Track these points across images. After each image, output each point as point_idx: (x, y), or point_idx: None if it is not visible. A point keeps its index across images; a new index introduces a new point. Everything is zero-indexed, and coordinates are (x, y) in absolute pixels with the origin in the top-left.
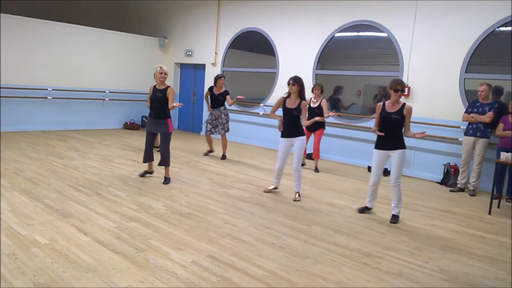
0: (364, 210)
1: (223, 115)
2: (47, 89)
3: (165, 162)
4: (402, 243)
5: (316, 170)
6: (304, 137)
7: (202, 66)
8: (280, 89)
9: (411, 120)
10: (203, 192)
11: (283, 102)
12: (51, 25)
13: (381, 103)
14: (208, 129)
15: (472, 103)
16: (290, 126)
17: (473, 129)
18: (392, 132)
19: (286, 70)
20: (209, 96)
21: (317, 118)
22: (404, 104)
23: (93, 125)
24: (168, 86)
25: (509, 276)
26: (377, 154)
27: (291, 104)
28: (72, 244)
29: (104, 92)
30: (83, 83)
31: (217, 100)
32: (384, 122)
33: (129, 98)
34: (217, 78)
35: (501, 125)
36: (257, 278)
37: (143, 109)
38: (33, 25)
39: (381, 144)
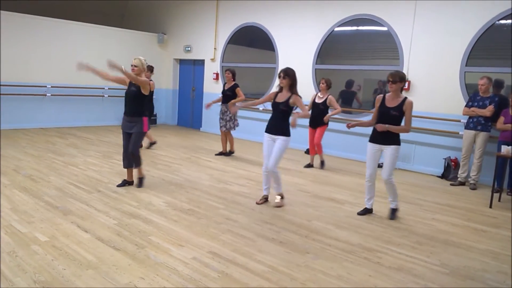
0: (366, 212)
1: (228, 112)
2: (46, 86)
3: (136, 162)
4: (403, 238)
5: (322, 164)
6: (288, 138)
7: (201, 62)
8: None
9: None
10: (203, 188)
11: (274, 96)
12: (49, 22)
13: (381, 95)
14: (221, 125)
15: (473, 97)
16: (275, 121)
17: (473, 123)
18: None
19: (285, 65)
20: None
21: (329, 114)
22: (405, 98)
23: (92, 122)
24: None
25: (510, 269)
26: (370, 147)
27: (281, 98)
28: (73, 241)
29: (103, 88)
30: (82, 80)
31: (225, 95)
32: (382, 117)
33: None
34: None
35: (501, 119)
36: (257, 273)
37: None
38: (32, 22)
39: (375, 138)
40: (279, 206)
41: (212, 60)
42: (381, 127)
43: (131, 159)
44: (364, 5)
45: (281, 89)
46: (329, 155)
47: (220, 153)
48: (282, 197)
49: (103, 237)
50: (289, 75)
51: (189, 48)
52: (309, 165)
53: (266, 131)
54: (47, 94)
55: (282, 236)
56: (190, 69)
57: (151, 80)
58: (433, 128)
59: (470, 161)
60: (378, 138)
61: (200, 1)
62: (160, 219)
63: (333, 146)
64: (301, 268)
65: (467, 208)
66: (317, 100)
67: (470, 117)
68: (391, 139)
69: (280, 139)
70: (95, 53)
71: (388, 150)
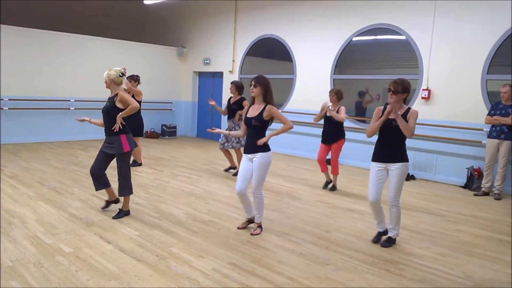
0: (380, 237)
1: (236, 127)
2: (69, 100)
3: (123, 190)
4: (425, 249)
5: (333, 188)
6: (267, 153)
7: (220, 74)
8: (298, 95)
9: (426, 123)
10: (222, 199)
11: (246, 110)
12: (72, 38)
13: (381, 107)
14: (222, 142)
15: (495, 105)
16: (250, 139)
17: (496, 131)
18: (392, 141)
19: (303, 75)
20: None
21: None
22: (409, 108)
23: None
24: (118, 93)
25: (511, 272)
26: (374, 167)
27: (253, 112)
28: (96, 252)
29: None
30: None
31: (231, 110)
32: (383, 129)
33: (149, 107)
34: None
35: None
36: (278, 285)
37: (163, 117)
38: (56, 39)
39: (378, 156)
40: (255, 234)
41: (231, 72)
42: (392, 106)
43: (102, 181)
44: (382, 15)
45: (253, 101)
46: (349, 165)
47: (230, 168)
48: (260, 227)
49: (125, 248)
50: (261, 83)
51: (208, 61)
52: (327, 184)
53: (244, 152)
54: (71, 108)
55: (302, 247)
56: (209, 81)
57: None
58: (455, 137)
59: (494, 170)
60: (381, 156)
61: (219, 14)
62: (180, 230)
63: (352, 156)
64: (322, 280)
65: (491, 218)
66: (328, 114)
67: (493, 126)
68: (397, 155)
69: (258, 156)
70: (117, 67)
71: (394, 168)
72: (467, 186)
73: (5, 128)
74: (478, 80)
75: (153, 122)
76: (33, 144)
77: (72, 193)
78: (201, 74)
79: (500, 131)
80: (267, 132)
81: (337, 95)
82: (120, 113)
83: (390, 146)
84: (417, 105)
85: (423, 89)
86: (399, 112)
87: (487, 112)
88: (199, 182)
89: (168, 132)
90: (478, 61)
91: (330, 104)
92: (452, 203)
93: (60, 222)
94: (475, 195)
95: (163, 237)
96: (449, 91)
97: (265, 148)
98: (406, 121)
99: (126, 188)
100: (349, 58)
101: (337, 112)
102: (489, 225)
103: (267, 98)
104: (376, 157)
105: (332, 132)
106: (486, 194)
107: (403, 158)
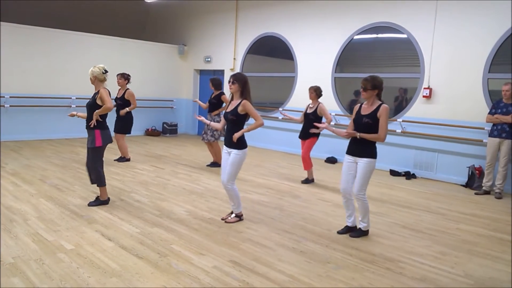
0: (347, 231)
1: (213, 122)
2: (70, 98)
3: (95, 181)
4: (426, 248)
5: (307, 181)
6: (242, 151)
7: (221, 72)
8: (299, 93)
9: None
10: (223, 197)
11: (226, 106)
12: (74, 35)
13: (358, 105)
14: (202, 133)
15: (496, 104)
16: (228, 133)
17: (497, 130)
18: (362, 137)
19: (304, 74)
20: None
21: (320, 126)
22: (380, 104)
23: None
24: (99, 90)
25: (511, 272)
26: (345, 159)
27: (230, 107)
28: (97, 250)
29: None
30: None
31: (210, 104)
32: (355, 125)
33: (150, 105)
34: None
35: None
36: (278, 283)
37: (164, 115)
38: (57, 36)
39: (349, 149)
40: (230, 222)
41: (232, 70)
42: (350, 133)
43: (93, 176)
44: (384, 13)
45: (232, 97)
46: None
47: (212, 164)
48: (237, 216)
49: (126, 245)
50: (238, 80)
51: (209, 59)
52: (307, 180)
53: (224, 144)
54: (72, 105)
55: (303, 246)
56: None
57: (127, 89)
58: (456, 136)
59: (495, 169)
60: (353, 149)
61: (220, 12)
62: (181, 228)
63: None
64: (322, 278)
65: (493, 217)
66: (308, 111)
67: (494, 125)
68: (364, 151)
69: (233, 152)
70: (118, 65)
71: (361, 163)
72: (468, 185)
73: (6, 125)
74: (480, 78)
75: (154, 120)
76: (34, 142)
77: (73, 190)
78: (202, 72)
79: (501, 130)
80: (245, 127)
81: (316, 92)
82: (96, 111)
83: (360, 141)
84: (418, 103)
85: (424, 88)
86: (370, 109)
87: (488, 110)
88: (200, 180)
89: (169, 130)
90: (480, 59)
91: (311, 101)
92: (453, 202)
93: (61, 219)
94: (476, 194)
95: (164, 235)
96: (450, 89)
97: (241, 145)
98: (377, 118)
99: (97, 180)
100: (350, 56)
101: (316, 109)
102: (490, 224)
103: (244, 94)
104: (348, 150)
105: (308, 128)
106: (487, 193)
107: (371, 155)
